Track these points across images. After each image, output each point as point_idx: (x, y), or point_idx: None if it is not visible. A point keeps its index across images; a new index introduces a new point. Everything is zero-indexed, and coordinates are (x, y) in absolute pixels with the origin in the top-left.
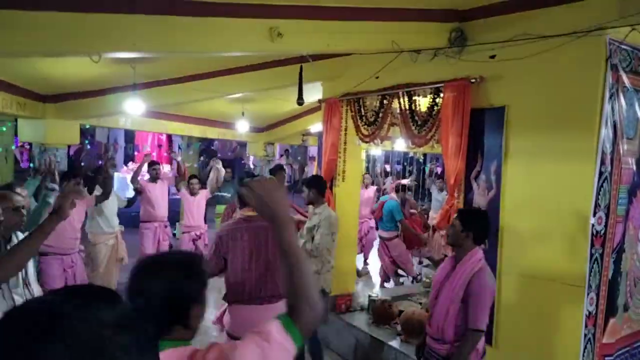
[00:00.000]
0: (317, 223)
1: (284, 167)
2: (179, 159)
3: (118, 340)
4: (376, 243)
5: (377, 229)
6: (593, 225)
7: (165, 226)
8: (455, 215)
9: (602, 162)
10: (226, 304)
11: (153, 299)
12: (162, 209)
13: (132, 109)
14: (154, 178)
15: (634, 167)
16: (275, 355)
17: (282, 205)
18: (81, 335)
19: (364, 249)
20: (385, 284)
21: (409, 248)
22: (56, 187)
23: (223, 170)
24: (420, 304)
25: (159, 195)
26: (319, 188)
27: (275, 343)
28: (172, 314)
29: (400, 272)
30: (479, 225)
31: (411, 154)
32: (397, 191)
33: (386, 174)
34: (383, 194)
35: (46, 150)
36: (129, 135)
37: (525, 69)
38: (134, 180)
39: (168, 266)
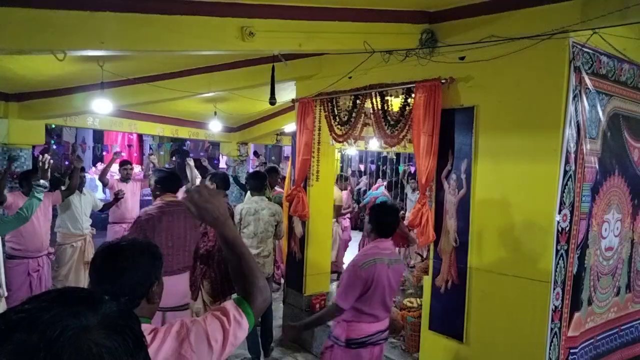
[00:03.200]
0: None
1: (278, 168)
2: (155, 161)
3: (106, 344)
4: (351, 243)
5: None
6: (558, 222)
7: None
8: None
9: (567, 161)
10: None
11: (125, 280)
12: (132, 210)
13: (100, 109)
14: (126, 178)
15: (597, 166)
16: (232, 328)
17: (218, 209)
18: (66, 345)
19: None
20: None
21: (395, 245)
22: (47, 184)
23: (194, 169)
24: (394, 302)
25: (130, 195)
26: (251, 181)
27: (232, 317)
28: (140, 292)
29: None
30: (374, 219)
31: (385, 154)
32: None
33: (360, 174)
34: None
35: (9, 150)
36: (98, 135)
37: (493, 70)
38: (102, 177)
39: (133, 250)
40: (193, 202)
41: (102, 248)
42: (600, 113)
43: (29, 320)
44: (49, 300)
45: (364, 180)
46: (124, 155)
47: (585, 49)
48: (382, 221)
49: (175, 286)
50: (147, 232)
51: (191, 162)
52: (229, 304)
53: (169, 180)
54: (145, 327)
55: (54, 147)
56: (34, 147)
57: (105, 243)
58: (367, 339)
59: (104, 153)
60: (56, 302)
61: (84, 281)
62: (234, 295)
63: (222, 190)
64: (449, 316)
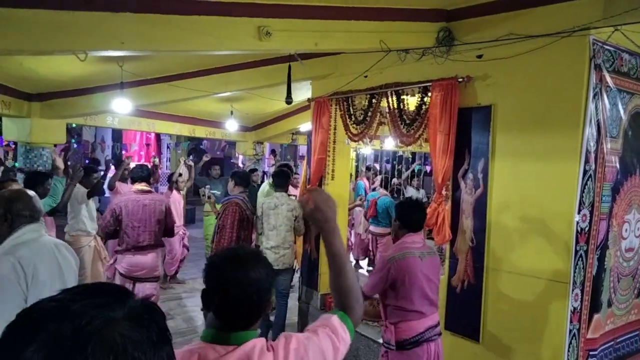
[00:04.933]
0: None
1: (290, 165)
2: (156, 160)
3: (131, 336)
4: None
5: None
6: (577, 223)
7: None
8: None
9: (587, 161)
10: (115, 256)
11: (254, 290)
12: None
13: (120, 108)
14: (124, 178)
15: (617, 166)
16: (341, 345)
17: (332, 214)
18: (93, 334)
19: None
20: None
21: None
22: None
23: (191, 167)
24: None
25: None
26: (276, 179)
27: (339, 334)
28: (263, 303)
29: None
30: (402, 215)
31: (400, 153)
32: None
33: (375, 173)
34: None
35: (32, 149)
36: (117, 134)
37: (511, 68)
38: (113, 180)
39: (253, 260)
40: (313, 200)
41: (225, 255)
42: (622, 111)
43: (60, 308)
44: (79, 292)
45: (378, 179)
46: (142, 155)
47: (607, 47)
48: (410, 217)
49: (144, 260)
50: (119, 215)
51: (190, 162)
52: (335, 321)
53: (139, 173)
54: (261, 343)
55: (75, 146)
56: (55, 145)
57: (227, 249)
58: (419, 337)
59: (123, 152)
60: (85, 294)
61: (104, 276)
62: (335, 309)
63: (242, 186)
64: (465, 316)
